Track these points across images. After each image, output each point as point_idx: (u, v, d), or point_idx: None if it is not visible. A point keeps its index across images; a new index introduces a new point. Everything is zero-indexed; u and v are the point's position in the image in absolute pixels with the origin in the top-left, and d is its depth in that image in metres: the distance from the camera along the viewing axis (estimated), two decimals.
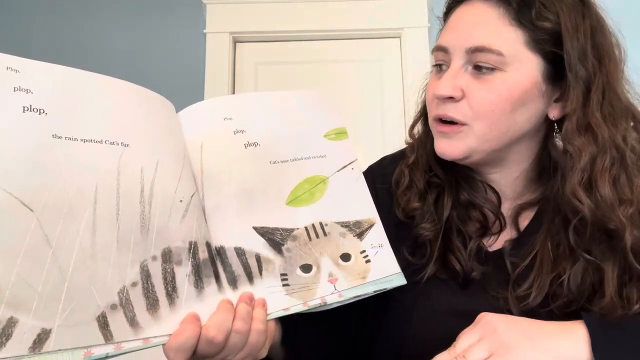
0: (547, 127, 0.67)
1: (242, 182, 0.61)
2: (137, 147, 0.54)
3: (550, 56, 0.60)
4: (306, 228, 0.62)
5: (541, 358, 0.50)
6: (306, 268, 0.60)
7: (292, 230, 0.61)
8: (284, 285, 0.58)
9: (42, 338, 0.41)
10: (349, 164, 0.68)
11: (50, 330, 0.42)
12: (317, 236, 0.62)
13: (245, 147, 0.63)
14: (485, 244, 0.68)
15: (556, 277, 0.60)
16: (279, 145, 0.65)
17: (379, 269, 0.62)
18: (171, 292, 0.50)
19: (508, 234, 0.68)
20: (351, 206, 0.66)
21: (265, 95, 0.70)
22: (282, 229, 0.61)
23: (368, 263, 0.62)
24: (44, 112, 0.49)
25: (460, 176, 0.70)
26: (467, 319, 0.56)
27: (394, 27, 2.12)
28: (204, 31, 2.11)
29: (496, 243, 0.68)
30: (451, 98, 0.61)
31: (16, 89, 0.48)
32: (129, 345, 0.47)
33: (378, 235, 0.65)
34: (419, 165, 0.72)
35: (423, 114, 0.74)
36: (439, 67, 0.66)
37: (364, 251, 0.63)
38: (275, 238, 0.60)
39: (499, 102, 0.60)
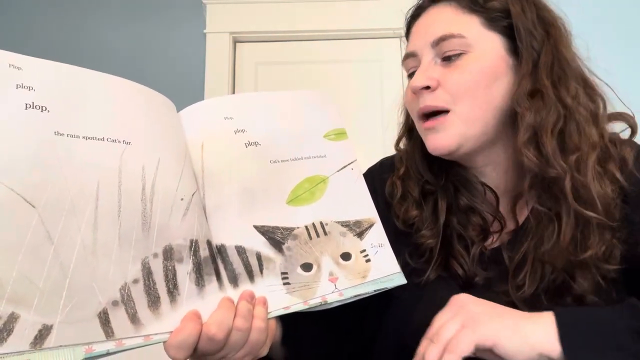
0: None
1: (242, 182, 0.61)
2: (139, 145, 0.54)
3: (507, 31, 0.65)
4: (306, 227, 0.62)
5: (510, 335, 0.50)
6: (307, 267, 0.60)
7: (293, 229, 0.61)
8: (284, 283, 0.58)
9: (43, 334, 0.41)
10: (349, 164, 0.69)
11: (51, 326, 0.42)
12: (318, 235, 0.62)
13: (245, 147, 0.63)
14: (485, 245, 0.68)
15: (537, 248, 0.62)
16: (279, 144, 0.65)
17: (379, 268, 0.62)
18: (172, 289, 0.50)
19: (507, 228, 0.68)
20: (351, 206, 0.66)
21: (265, 95, 0.70)
22: (282, 227, 0.61)
23: (368, 262, 0.62)
24: (46, 109, 0.49)
25: (456, 180, 0.71)
26: None
27: (394, 27, 2.10)
28: (204, 31, 2.10)
29: (496, 241, 0.68)
30: (427, 88, 0.64)
31: (18, 86, 0.48)
32: (130, 342, 0.47)
33: (378, 235, 0.65)
34: (410, 175, 0.74)
35: (406, 130, 0.78)
36: (412, 75, 0.69)
37: (364, 250, 0.63)
38: (275, 237, 0.60)
39: (473, 80, 0.63)
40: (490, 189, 0.69)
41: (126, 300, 0.47)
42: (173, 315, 0.50)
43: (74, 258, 0.45)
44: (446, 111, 0.64)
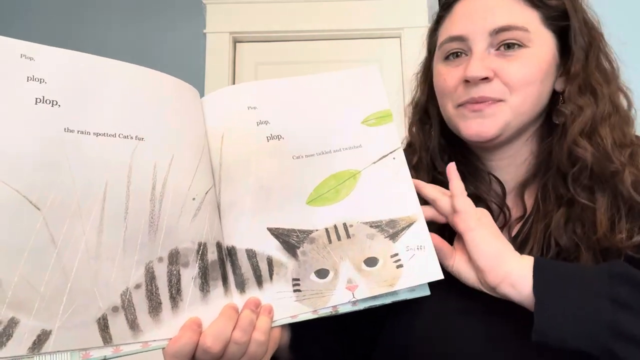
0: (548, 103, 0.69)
1: (259, 179, 0.57)
2: (152, 140, 0.51)
3: (559, 31, 0.65)
4: (327, 230, 0.57)
5: (496, 270, 0.53)
6: (322, 273, 0.55)
7: (310, 232, 0.56)
8: (295, 290, 0.54)
9: (41, 339, 0.41)
10: (390, 153, 0.61)
11: (50, 332, 0.41)
12: (339, 239, 0.56)
13: (267, 140, 0.59)
14: None
15: (546, 228, 0.63)
16: (306, 137, 0.60)
17: (413, 275, 0.55)
18: (175, 295, 0.49)
19: (514, 216, 0.68)
20: (386, 203, 0.58)
21: (297, 81, 0.64)
22: (299, 230, 0.56)
23: (399, 268, 0.55)
24: (57, 103, 0.46)
25: (464, 169, 0.70)
26: (474, 315, 0.57)
27: (394, 27, 2.11)
28: (204, 31, 2.08)
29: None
30: (485, 79, 0.62)
31: (29, 78, 0.46)
32: (127, 348, 0.46)
33: (418, 235, 0.57)
34: (422, 165, 0.73)
35: (421, 113, 0.76)
36: (455, 55, 0.67)
37: (395, 255, 0.56)
38: (290, 240, 0.56)
39: (532, 74, 0.62)
40: (497, 179, 0.69)
41: (126, 306, 0.46)
42: (173, 321, 0.48)
43: (77, 262, 0.44)
44: (500, 100, 0.63)
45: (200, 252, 0.52)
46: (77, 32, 2.10)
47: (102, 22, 2.11)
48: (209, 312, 0.50)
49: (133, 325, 0.46)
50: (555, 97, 0.67)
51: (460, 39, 0.65)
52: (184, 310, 0.49)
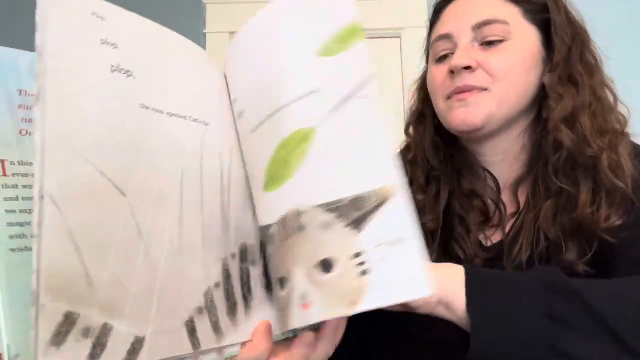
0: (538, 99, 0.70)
1: (240, 176, 0.48)
2: (216, 126, 0.45)
3: (542, 25, 0.67)
4: (280, 221, 0.41)
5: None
6: (282, 282, 0.42)
7: (270, 227, 0.43)
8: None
9: (136, 348, 0.35)
10: (358, 91, 0.39)
11: (143, 339, 0.35)
12: (289, 234, 0.41)
13: (251, 133, 0.47)
14: (487, 234, 0.68)
15: (535, 222, 0.63)
16: (259, 99, 0.44)
17: (384, 288, 0.36)
18: (247, 294, 0.45)
19: (509, 212, 0.69)
20: (349, 171, 0.38)
21: (241, 38, 0.47)
22: (262, 228, 0.45)
23: (364, 276, 0.36)
24: (131, 75, 0.38)
25: (460, 165, 0.72)
26: None
27: (394, 27, 2.10)
28: (204, 31, 2.06)
29: (495, 235, 0.68)
30: (468, 68, 0.64)
31: (103, 41, 0.37)
32: (205, 358, 0.41)
33: (394, 220, 0.36)
34: (417, 162, 0.74)
35: (418, 116, 0.77)
36: (444, 58, 0.68)
37: (358, 254, 0.37)
38: (263, 240, 0.46)
39: (515, 64, 0.64)
40: (492, 175, 0.70)
41: (210, 307, 0.41)
42: (246, 323, 0.44)
43: (163, 258, 0.38)
44: (484, 89, 0.64)
45: (262, 250, 0.47)
46: None
47: None
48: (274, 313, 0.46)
49: (216, 328, 0.41)
50: (546, 93, 0.68)
51: (447, 36, 0.68)
52: (254, 311, 0.45)
